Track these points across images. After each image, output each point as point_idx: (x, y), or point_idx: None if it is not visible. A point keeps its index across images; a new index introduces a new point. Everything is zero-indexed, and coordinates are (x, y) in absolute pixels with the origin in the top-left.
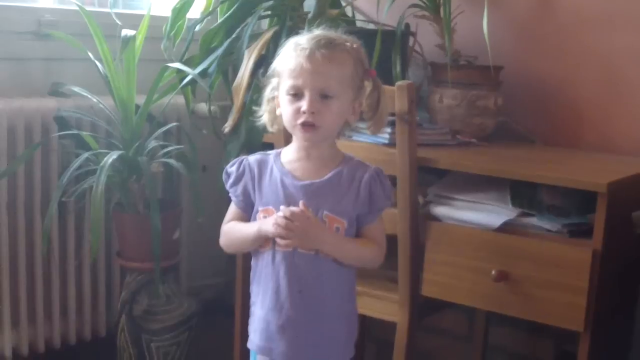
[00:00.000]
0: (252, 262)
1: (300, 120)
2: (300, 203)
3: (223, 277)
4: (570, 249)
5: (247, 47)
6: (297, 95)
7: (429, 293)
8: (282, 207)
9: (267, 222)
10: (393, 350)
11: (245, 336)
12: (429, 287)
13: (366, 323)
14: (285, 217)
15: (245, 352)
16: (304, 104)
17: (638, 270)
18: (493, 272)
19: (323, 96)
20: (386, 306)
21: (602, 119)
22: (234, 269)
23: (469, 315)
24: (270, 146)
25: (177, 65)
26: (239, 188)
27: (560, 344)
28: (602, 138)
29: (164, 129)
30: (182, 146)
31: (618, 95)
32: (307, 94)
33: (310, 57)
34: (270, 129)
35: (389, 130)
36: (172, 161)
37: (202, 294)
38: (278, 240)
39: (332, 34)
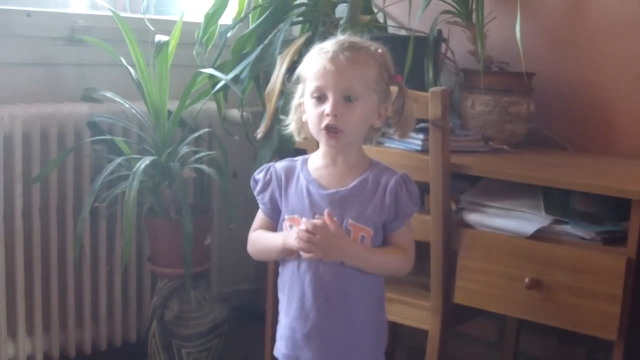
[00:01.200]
0: (279, 269)
1: (323, 124)
2: (325, 213)
3: (253, 283)
4: (604, 256)
5: (280, 53)
6: (321, 98)
7: (461, 300)
8: (303, 219)
9: (291, 234)
10: (423, 357)
11: (274, 342)
12: (461, 295)
13: (396, 330)
14: (307, 231)
15: (275, 358)
16: (327, 107)
17: None
18: (526, 280)
19: (346, 99)
20: (418, 313)
21: (634, 125)
22: (265, 275)
23: (499, 323)
24: (302, 152)
25: (210, 70)
26: (266, 195)
27: (592, 352)
28: (634, 144)
29: (196, 134)
30: (213, 152)
31: None
32: (330, 97)
33: (334, 59)
34: (297, 137)
35: (421, 136)
36: (204, 167)
37: (232, 300)
38: (301, 253)
39: (356, 38)
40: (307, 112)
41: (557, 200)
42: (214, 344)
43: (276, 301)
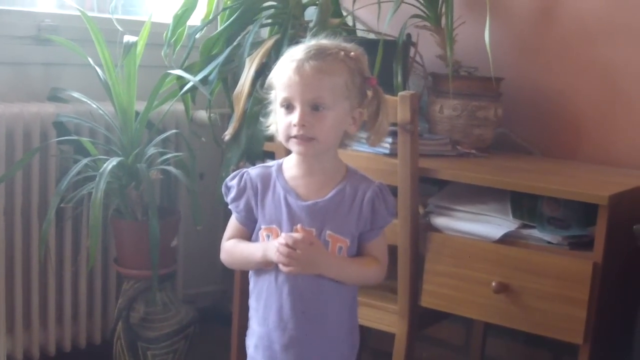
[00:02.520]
0: (252, 277)
1: (292, 134)
2: (299, 227)
3: (219, 285)
4: (570, 261)
5: (248, 55)
6: (289, 107)
7: (428, 304)
8: (283, 234)
9: (270, 247)
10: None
11: (241, 345)
12: (428, 298)
13: (362, 332)
14: (287, 245)
15: None
16: (294, 118)
17: (639, 283)
18: (493, 284)
19: (314, 108)
20: (385, 317)
21: (601, 132)
22: (231, 277)
23: (466, 326)
24: (270, 155)
25: (178, 71)
26: (241, 203)
27: (558, 355)
28: (601, 150)
29: (163, 136)
30: (181, 153)
31: (617, 109)
32: (297, 107)
33: (299, 69)
34: (278, 136)
35: (389, 140)
36: (171, 168)
37: (198, 302)
38: (281, 266)
39: (328, 42)
40: (277, 120)
41: (524, 205)
42: (180, 346)
43: (243, 304)
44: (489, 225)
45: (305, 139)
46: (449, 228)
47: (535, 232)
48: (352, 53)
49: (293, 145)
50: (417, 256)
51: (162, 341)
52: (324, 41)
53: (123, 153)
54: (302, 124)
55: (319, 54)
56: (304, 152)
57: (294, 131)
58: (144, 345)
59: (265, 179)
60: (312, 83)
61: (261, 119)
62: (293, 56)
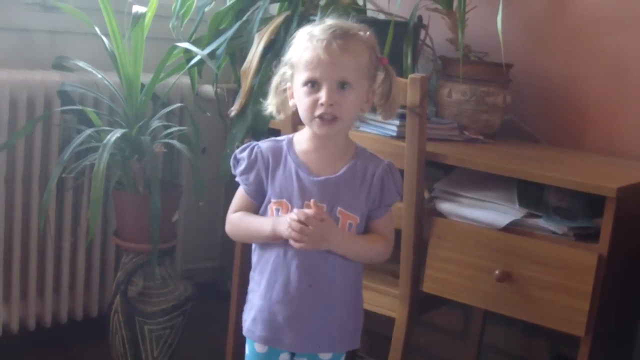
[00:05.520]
0: (257, 251)
1: (318, 112)
2: (312, 203)
3: (218, 261)
4: (575, 252)
5: (258, 30)
6: (314, 86)
7: (430, 290)
8: (295, 210)
9: (281, 222)
10: (386, 343)
11: (239, 322)
12: (430, 284)
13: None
14: (299, 221)
15: (239, 338)
16: (322, 96)
17: None
18: (496, 272)
19: (341, 86)
20: (386, 301)
21: (609, 122)
22: (230, 253)
23: (465, 312)
24: (276, 132)
25: (186, 45)
26: (252, 176)
27: (556, 345)
28: (608, 140)
29: (168, 109)
30: (185, 127)
31: (626, 98)
32: (324, 86)
33: (327, 48)
34: (277, 116)
35: (397, 122)
36: (174, 142)
37: (196, 277)
38: (292, 242)
39: (345, 23)
40: (298, 100)
41: (531, 194)
42: (177, 322)
43: (243, 280)
44: (494, 212)
45: (330, 118)
46: (454, 214)
47: (540, 222)
48: (367, 33)
49: (316, 126)
50: (421, 241)
51: (159, 316)
52: (339, 21)
53: (127, 125)
54: (330, 103)
55: (344, 34)
56: (327, 132)
57: (320, 110)
58: (141, 319)
59: (277, 153)
60: (340, 62)
61: (260, 99)
62: (316, 35)
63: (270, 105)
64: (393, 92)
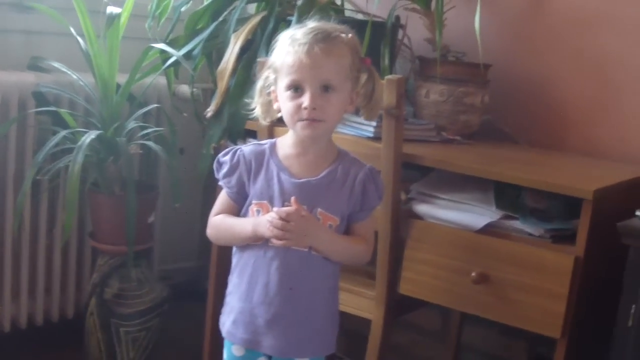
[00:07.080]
0: (236, 252)
1: (302, 117)
2: (292, 200)
3: (196, 262)
4: (552, 254)
5: (234, 31)
6: (297, 90)
7: (406, 291)
8: (274, 208)
9: (261, 223)
10: (364, 343)
11: (215, 323)
12: (406, 286)
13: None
14: (281, 218)
15: (216, 339)
16: (305, 100)
17: (620, 279)
18: (473, 274)
19: (324, 90)
20: (362, 302)
21: (587, 123)
22: (208, 253)
23: (443, 313)
24: (252, 133)
25: (162, 45)
26: (233, 179)
27: (533, 346)
28: (586, 142)
29: (144, 110)
30: (161, 128)
31: (604, 99)
32: (307, 90)
33: (309, 51)
34: (263, 121)
35: (374, 123)
36: (151, 143)
37: (173, 278)
38: (273, 240)
39: (326, 25)
40: (281, 104)
41: (508, 195)
42: (153, 324)
43: (220, 281)
44: (471, 214)
45: (315, 121)
46: (431, 216)
47: (517, 224)
48: (349, 35)
49: (300, 129)
50: (397, 243)
51: (135, 318)
52: (320, 24)
53: (102, 126)
54: (313, 107)
55: (326, 37)
56: (311, 134)
57: (304, 114)
58: (116, 321)
59: (259, 157)
60: (323, 65)
61: (245, 100)
62: (298, 39)
63: (255, 107)
64: (376, 93)
